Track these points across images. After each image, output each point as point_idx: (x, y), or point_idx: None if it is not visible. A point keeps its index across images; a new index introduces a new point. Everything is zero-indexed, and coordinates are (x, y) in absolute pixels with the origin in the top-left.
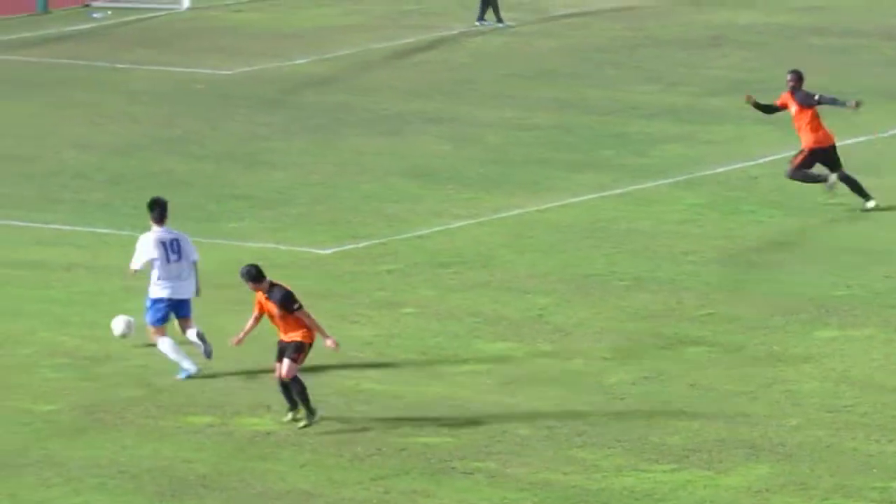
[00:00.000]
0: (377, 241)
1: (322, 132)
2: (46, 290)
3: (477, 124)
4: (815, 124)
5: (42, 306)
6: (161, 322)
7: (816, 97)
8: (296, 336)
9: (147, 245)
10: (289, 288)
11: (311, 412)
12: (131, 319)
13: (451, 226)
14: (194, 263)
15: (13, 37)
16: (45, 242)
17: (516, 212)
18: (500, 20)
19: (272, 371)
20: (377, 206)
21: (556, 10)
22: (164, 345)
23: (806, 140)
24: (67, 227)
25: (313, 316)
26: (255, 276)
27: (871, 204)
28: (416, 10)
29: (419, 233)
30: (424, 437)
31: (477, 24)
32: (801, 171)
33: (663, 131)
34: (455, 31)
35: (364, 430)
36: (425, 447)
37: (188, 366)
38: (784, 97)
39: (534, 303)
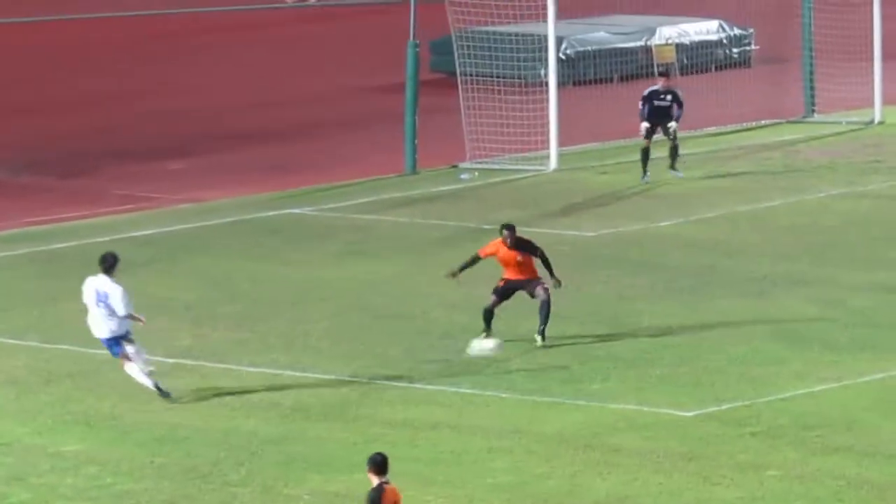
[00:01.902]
0: (741, 404)
1: (688, 294)
2: (411, 449)
3: (843, 286)
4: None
5: (407, 465)
6: (116, 354)
7: (539, 252)
8: None
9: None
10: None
11: None
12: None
13: (816, 388)
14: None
15: (384, 197)
16: (411, 401)
17: (880, 375)
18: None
19: None
20: (742, 369)
21: None
22: (129, 369)
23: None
24: (432, 387)
25: None
26: (376, 465)
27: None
28: (782, 172)
29: (783, 395)
30: None
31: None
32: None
33: None
34: (823, 194)
35: None
36: None
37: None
38: (498, 246)
39: None
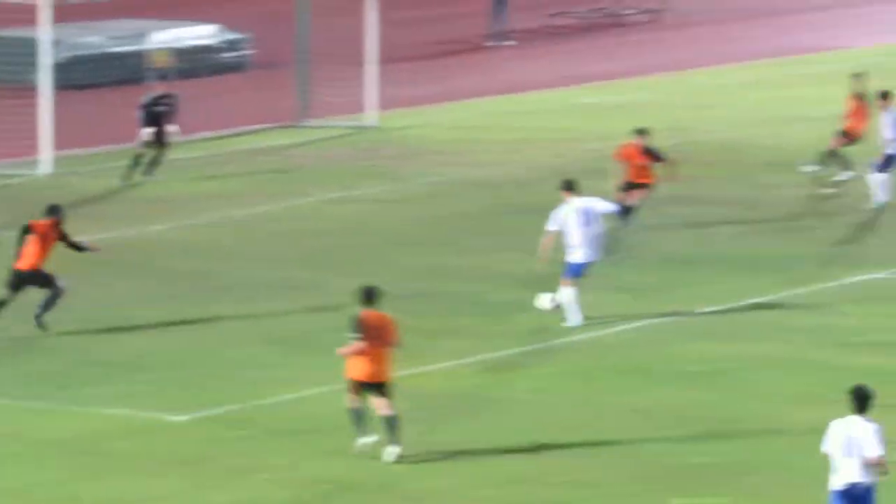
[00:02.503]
0: (233, 408)
1: (183, 298)
2: None
3: (336, 292)
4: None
5: None
6: None
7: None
8: None
9: None
10: None
11: None
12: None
13: (307, 393)
14: None
15: None
16: None
17: None
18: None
19: None
20: (234, 373)
21: (421, 179)
22: None
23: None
24: None
25: None
26: None
27: None
28: (277, 177)
29: (274, 399)
30: None
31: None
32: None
33: (523, 299)
34: (315, 199)
35: None
36: None
37: None
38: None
39: (389, 470)
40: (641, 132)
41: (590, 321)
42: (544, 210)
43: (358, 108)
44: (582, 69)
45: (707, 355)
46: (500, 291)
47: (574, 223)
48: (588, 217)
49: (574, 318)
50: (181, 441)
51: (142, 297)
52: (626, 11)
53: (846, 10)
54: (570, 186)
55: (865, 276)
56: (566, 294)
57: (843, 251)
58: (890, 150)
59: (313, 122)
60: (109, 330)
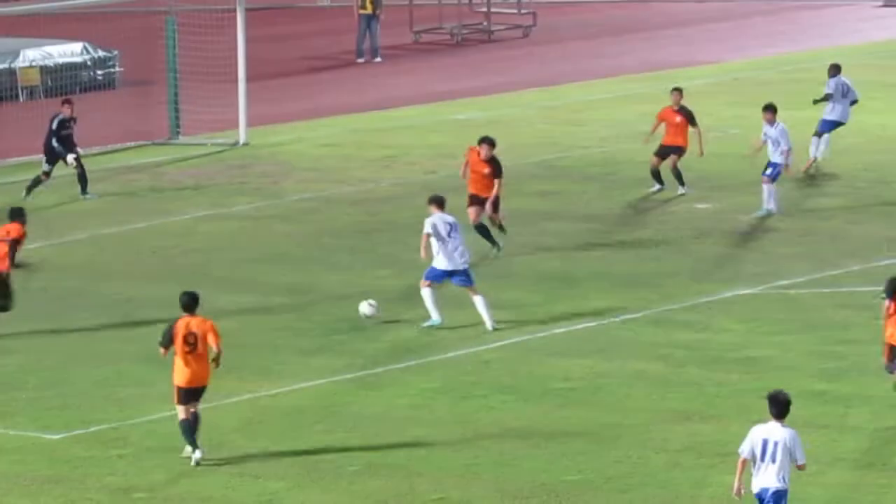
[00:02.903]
0: (108, 426)
1: (55, 317)
2: None
3: (210, 310)
4: None
5: None
6: None
7: None
8: None
9: None
10: None
11: None
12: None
13: None
14: None
15: None
16: None
17: (248, 396)
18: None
19: None
20: (109, 391)
21: (293, 195)
22: None
23: None
24: None
25: None
26: None
27: None
28: (147, 194)
29: (150, 417)
30: None
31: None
32: None
33: (396, 315)
34: (187, 216)
35: None
36: None
37: None
38: None
39: (266, 487)
40: (486, 141)
41: (467, 338)
42: (416, 226)
43: (229, 125)
44: (453, 85)
45: (583, 372)
46: None
47: (441, 233)
48: (453, 229)
49: (434, 316)
50: (55, 460)
51: (16, 315)
52: (497, 27)
53: (716, 25)
54: (439, 203)
55: (741, 292)
56: (424, 294)
57: (718, 266)
58: (778, 161)
59: (184, 139)
60: None
